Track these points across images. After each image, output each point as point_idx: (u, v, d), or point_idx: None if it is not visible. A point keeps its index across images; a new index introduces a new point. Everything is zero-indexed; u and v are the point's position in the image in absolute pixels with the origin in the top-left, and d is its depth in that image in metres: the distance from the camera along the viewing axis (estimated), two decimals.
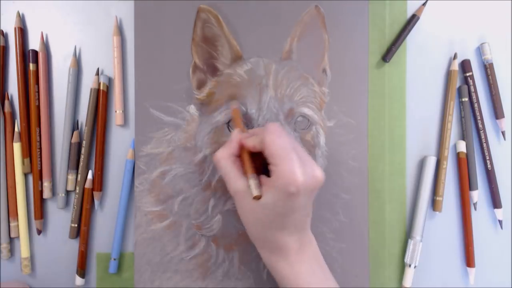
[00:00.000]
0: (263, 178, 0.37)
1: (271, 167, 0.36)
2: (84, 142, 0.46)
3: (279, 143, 0.36)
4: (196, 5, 0.45)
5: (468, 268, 0.48)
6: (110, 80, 0.47)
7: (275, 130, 0.36)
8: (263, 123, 0.44)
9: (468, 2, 0.49)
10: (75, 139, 0.46)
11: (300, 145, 0.39)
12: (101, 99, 0.46)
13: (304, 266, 0.38)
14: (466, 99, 0.48)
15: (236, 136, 0.39)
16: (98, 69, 0.47)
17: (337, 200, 0.47)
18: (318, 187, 0.37)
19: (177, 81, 0.46)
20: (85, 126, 0.46)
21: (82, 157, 0.46)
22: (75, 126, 0.47)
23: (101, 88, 0.46)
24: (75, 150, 0.46)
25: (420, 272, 0.48)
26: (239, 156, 0.39)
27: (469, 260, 0.48)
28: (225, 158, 0.38)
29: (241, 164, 0.38)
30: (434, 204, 0.48)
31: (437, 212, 0.48)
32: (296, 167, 0.35)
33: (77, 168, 0.46)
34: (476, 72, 0.48)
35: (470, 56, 0.48)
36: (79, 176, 0.46)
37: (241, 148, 0.38)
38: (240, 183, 0.37)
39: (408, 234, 0.48)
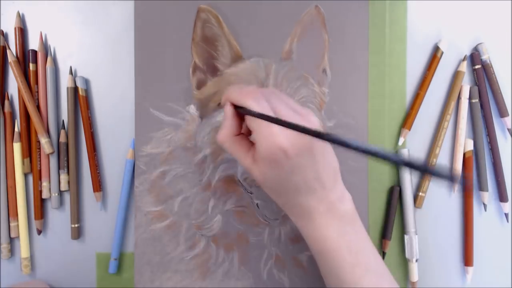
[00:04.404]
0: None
1: (253, 136, 0.33)
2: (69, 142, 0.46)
3: (254, 108, 0.33)
4: (196, 5, 0.45)
5: (466, 267, 0.48)
6: (87, 82, 0.47)
7: (248, 94, 0.34)
8: None
9: (468, 2, 0.49)
10: (62, 138, 0.46)
11: (289, 100, 0.36)
12: (81, 100, 0.46)
13: (332, 228, 0.35)
14: (476, 100, 0.48)
15: (229, 112, 0.36)
16: (70, 67, 0.47)
17: None
18: (313, 144, 0.33)
19: (177, 81, 0.46)
20: (67, 125, 0.46)
21: (69, 157, 0.46)
22: (60, 125, 0.47)
23: (80, 93, 0.46)
24: (64, 150, 0.46)
25: (422, 271, 0.48)
26: (240, 131, 0.37)
27: (468, 259, 0.48)
28: (226, 139, 0.36)
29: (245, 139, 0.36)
30: (416, 199, 0.48)
31: (437, 211, 0.48)
32: (274, 131, 0.32)
33: (68, 168, 0.47)
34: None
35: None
36: (70, 176, 0.46)
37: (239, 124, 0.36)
38: (248, 159, 0.35)
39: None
